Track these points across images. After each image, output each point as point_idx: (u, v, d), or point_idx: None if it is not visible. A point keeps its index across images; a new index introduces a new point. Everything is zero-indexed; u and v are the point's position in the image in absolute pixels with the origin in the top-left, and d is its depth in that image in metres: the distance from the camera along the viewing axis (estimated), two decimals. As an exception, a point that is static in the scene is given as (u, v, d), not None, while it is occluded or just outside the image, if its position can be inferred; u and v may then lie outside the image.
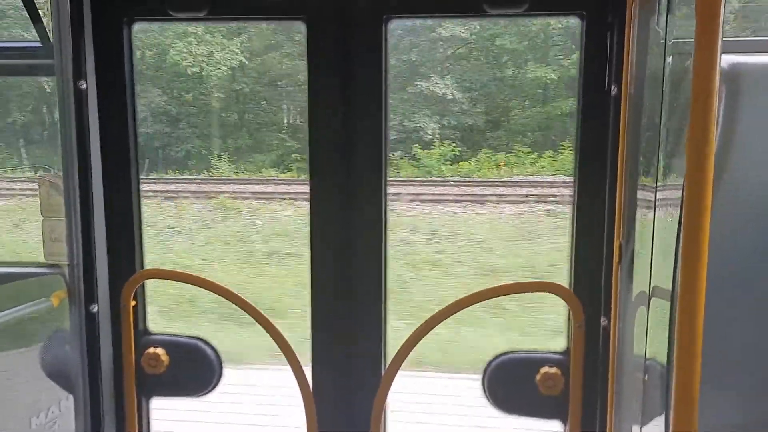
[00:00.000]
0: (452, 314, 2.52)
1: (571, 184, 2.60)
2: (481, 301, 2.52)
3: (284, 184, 14.24)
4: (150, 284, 2.86)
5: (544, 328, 8.54)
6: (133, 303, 2.73)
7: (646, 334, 1.98)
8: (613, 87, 2.39)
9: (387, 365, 2.65)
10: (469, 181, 14.99)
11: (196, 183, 14.56)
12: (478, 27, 15.40)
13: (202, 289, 2.71)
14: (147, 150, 15.05)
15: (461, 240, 11.95)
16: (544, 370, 2.61)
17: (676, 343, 1.37)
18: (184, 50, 15.31)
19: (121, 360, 2.77)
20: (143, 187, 2.83)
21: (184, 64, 15.35)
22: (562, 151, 14.29)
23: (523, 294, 3.03)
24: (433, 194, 13.52)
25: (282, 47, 16.25)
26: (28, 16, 2.62)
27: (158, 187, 13.65)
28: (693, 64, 1.30)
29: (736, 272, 1.83)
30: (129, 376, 2.76)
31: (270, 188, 13.97)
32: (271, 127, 16.42)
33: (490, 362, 2.69)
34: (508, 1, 2.47)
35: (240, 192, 14.00)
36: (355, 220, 2.67)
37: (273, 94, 16.83)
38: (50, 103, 2.65)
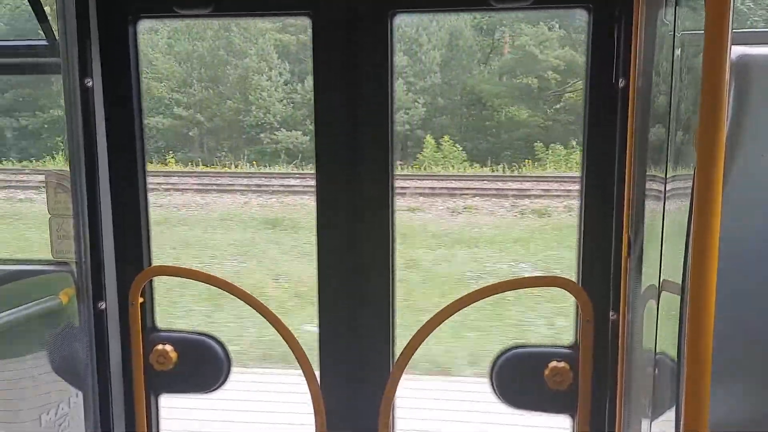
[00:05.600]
0: (460, 310, 2.51)
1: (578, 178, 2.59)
2: (489, 295, 2.51)
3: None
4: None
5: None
6: (141, 300, 2.74)
7: (656, 328, 1.97)
8: (621, 80, 2.37)
9: (395, 363, 2.65)
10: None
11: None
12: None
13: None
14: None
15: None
16: (553, 364, 2.60)
17: (686, 337, 1.36)
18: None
19: (129, 357, 2.77)
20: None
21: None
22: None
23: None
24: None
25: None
26: (33, 14, 2.62)
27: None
28: (702, 56, 1.29)
29: (747, 265, 1.82)
30: (138, 373, 2.77)
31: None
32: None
33: (498, 357, 2.68)
34: None
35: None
36: (362, 216, 2.66)
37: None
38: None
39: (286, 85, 20.05)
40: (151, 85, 19.43)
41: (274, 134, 19.28)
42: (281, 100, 19.90)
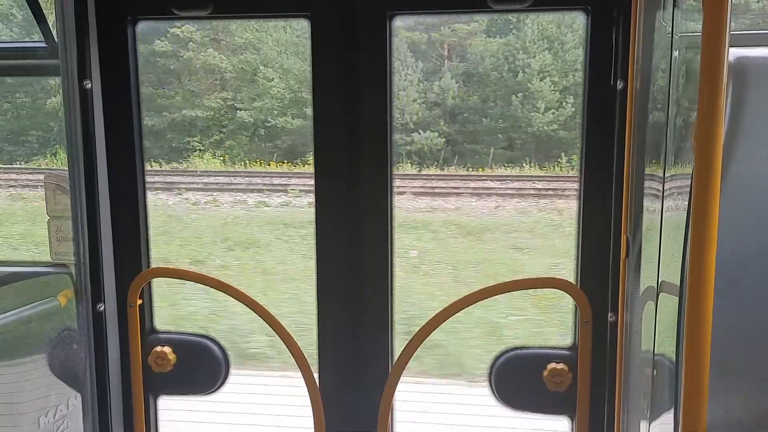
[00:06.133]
0: (458, 312, 2.51)
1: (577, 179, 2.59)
2: (487, 297, 2.51)
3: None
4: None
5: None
6: (139, 301, 2.74)
7: (654, 330, 1.97)
8: (619, 82, 2.38)
9: (393, 364, 2.65)
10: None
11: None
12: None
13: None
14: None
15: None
16: (551, 366, 2.60)
17: (684, 338, 1.36)
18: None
19: (128, 359, 2.77)
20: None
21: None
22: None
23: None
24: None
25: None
26: (32, 15, 2.62)
27: None
28: (700, 57, 1.30)
29: (745, 266, 1.82)
30: (136, 375, 2.76)
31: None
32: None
33: (497, 358, 2.68)
34: None
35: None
36: (361, 217, 2.67)
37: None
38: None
39: (419, 83, 19.13)
40: (267, 86, 18.88)
41: (409, 135, 18.33)
42: (415, 100, 19.06)
